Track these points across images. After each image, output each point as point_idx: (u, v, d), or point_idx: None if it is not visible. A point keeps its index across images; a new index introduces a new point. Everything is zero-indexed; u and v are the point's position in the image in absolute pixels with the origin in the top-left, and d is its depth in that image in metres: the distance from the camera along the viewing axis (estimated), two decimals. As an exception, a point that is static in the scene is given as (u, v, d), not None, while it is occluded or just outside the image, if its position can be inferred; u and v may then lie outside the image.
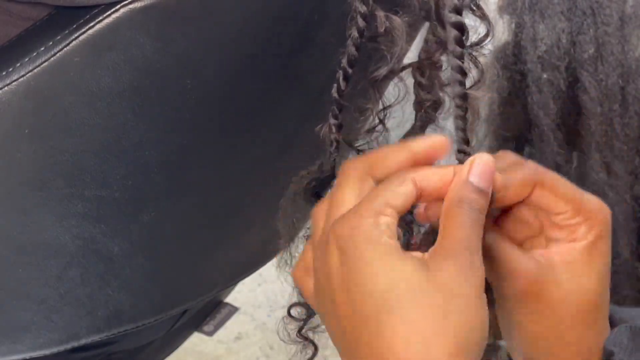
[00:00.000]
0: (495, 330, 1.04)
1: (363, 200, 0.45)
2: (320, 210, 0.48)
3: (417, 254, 0.44)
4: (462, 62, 0.46)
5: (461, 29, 0.46)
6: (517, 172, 0.47)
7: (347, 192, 0.46)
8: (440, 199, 0.46)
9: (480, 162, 0.46)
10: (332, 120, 0.52)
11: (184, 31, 0.54)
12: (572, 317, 0.48)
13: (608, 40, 0.79)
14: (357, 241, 0.43)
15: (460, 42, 0.46)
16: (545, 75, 0.81)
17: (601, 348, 0.49)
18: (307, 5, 0.59)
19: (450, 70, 0.47)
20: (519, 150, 0.86)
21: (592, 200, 0.49)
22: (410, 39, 0.50)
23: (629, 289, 0.83)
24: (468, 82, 0.49)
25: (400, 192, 0.45)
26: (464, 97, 0.47)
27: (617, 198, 0.80)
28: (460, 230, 0.44)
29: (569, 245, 0.48)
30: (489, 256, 0.47)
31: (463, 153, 0.48)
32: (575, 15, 0.80)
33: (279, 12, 0.57)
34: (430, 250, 0.44)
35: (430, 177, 0.46)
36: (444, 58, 0.50)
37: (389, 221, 0.44)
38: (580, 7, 0.79)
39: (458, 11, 0.46)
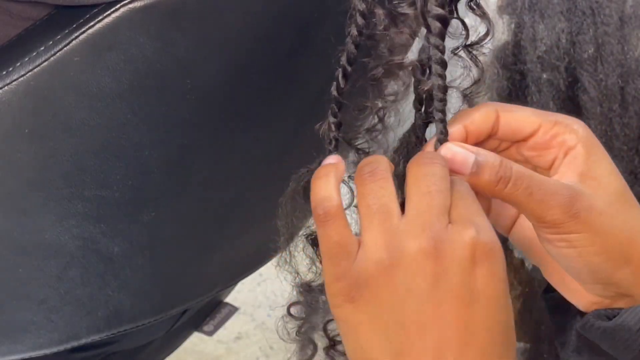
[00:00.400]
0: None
1: (473, 207, 0.45)
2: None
3: None
4: (443, 55, 0.47)
5: (444, 21, 0.47)
6: (477, 109, 0.50)
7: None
8: None
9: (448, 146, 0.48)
10: (331, 119, 0.52)
11: (184, 31, 0.54)
12: (615, 208, 0.48)
13: (608, 40, 0.79)
14: (499, 257, 0.44)
15: (441, 35, 0.47)
16: (544, 76, 0.81)
17: None
18: (307, 4, 0.59)
19: (432, 64, 0.47)
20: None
21: (558, 114, 0.51)
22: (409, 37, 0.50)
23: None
24: (469, 81, 0.49)
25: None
26: (444, 89, 0.48)
27: (616, 198, 0.80)
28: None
29: (567, 160, 0.49)
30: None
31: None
32: (575, 15, 0.80)
33: (278, 11, 0.57)
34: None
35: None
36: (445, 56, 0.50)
37: None
38: (580, 7, 0.79)
39: (442, 5, 0.47)
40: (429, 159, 0.46)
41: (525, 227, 0.52)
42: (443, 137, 0.49)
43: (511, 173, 0.47)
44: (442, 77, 0.48)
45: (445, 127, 0.49)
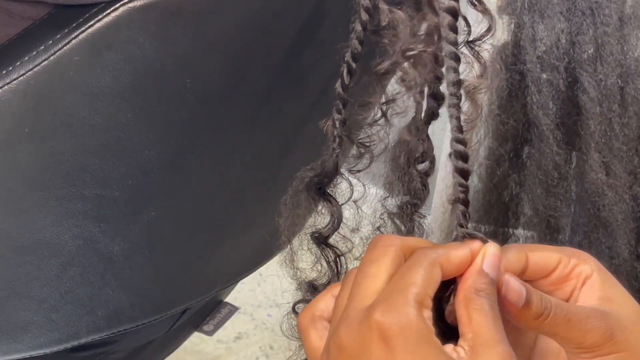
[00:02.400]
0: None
1: (401, 285, 0.44)
2: (348, 281, 0.46)
3: (458, 351, 0.44)
4: (457, 49, 0.47)
5: (454, 14, 0.46)
6: (511, 249, 0.50)
7: (382, 269, 0.45)
8: (450, 278, 0.47)
9: (491, 254, 0.47)
10: (336, 116, 0.53)
11: (183, 31, 0.54)
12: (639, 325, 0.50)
13: (607, 40, 0.79)
14: (409, 340, 0.42)
15: (453, 28, 0.46)
16: (544, 76, 0.81)
17: None
18: (307, 3, 0.59)
19: (444, 58, 0.47)
20: (518, 150, 0.86)
21: (569, 248, 0.53)
22: (413, 32, 0.50)
23: (628, 289, 0.83)
24: (470, 77, 0.49)
25: (434, 279, 0.45)
26: (459, 84, 0.47)
27: (616, 198, 0.80)
28: (489, 319, 0.45)
29: (585, 288, 0.51)
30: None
31: (459, 142, 0.48)
32: (575, 15, 0.80)
33: (278, 9, 0.57)
34: (465, 344, 0.44)
35: (451, 260, 0.46)
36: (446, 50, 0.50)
37: (429, 314, 0.44)
38: (580, 7, 0.79)
39: None
40: (368, 248, 0.47)
41: (549, 347, 0.53)
42: (458, 134, 0.48)
43: (551, 304, 0.48)
44: (456, 71, 0.47)
45: (460, 124, 0.48)
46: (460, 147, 0.48)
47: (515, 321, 0.49)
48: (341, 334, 0.43)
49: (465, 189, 0.49)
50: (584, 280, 0.51)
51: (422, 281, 0.44)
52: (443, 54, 0.47)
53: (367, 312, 0.43)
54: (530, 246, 0.52)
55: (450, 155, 0.48)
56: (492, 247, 0.48)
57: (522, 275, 0.51)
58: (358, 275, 0.45)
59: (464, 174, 0.49)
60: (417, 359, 0.42)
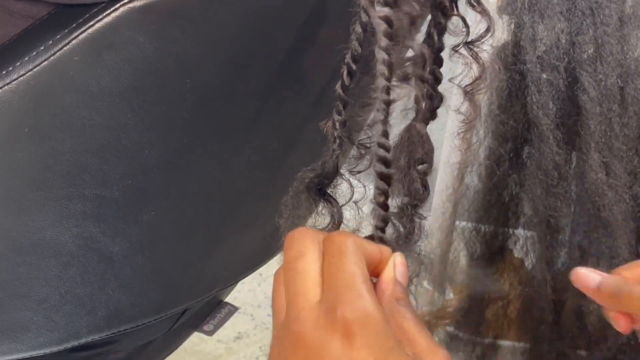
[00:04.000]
0: (495, 330, 1.04)
1: (345, 277, 0.43)
2: (279, 281, 0.46)
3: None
4: (390, 56, 0.47)
5: (389, 22, 0.47)
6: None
7: (310, 262, 0.45)
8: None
9: (400, 263, 0.48)
10: (336, 117, 0.53)
11: (183, 30, 0.54)
12: None
13: (607, 40, 0.79)
14: (371, 333, 0.42)
15: (388, 35, 0.47)
16: (544, 76, 0.81)
17: None
18: (307, 4, 0.59)
19: (377, 64, 0.47)
20: (518, 150, 0.86)
21: None
22: (413, 32, 0.50)
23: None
24: (469, 78, 0.49)
25: (365, 267, 0.45)
26: (387, 91, 0.48)
27: (616, 198, 0.80)
28: (419, 326, 0.45)
29: None
30: None
31: (382, 147, 0.48)
32: (575, 15, 0.80)
33: (278, 10, 0.57)
34: (408, 350, 0.44)
35: (367, 252, 0.46)
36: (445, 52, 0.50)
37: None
38: (580, 7, 0.79)
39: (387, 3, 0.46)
40: (287, 245, 0.46)
41: None
42: (382, 139, 0.49)
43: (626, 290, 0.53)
44: (387, 79, 0.47)
45: (385, 128, 0.48)
46: (382, 152, 0.48)
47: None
48: (296, 331, 0.43)
49: (385, 194, 0.49)
50: None
51: (361, 270, 0.44)
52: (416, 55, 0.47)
53: (326, 309, 0.42)
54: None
55: (373, 159, 0.48)
56: (399, 257, 0.48)
57: None
58: (288, 273, 0.45)
59: (385, 178, 0.49)
60: (378, 352, 0.41)
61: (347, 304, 0.42)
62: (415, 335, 0.44)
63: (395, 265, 0.47)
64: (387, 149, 0.48)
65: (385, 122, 0.48)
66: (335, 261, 0.44)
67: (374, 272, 0.47)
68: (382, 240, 0.49)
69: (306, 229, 0.47)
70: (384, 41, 0.47)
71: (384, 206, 0.49)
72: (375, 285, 0.46)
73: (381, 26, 0.46)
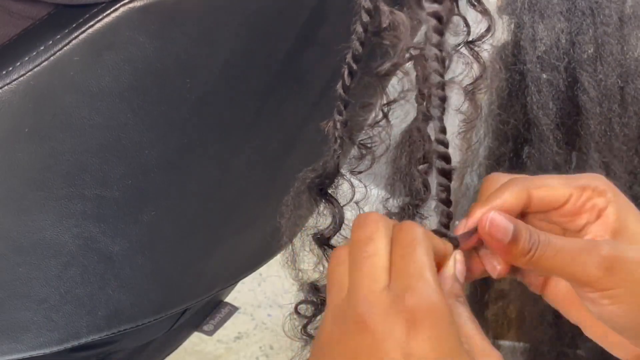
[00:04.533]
0: (495, 330, 1.05)
1: (416, 267, 0.43)
2: (342, 260, 0.46)
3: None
4: (441, 52, 0.47)
5: (439, 17, 0.47)
6: (510, 189, 0.50)
7: (380, 246, 0.45)
8: None
9: (460, 260, 0.48)
10: (337, 117, 0.53)
11: (183, 30, 0.54)
12: None
13: (607, 40, 0.79)
14: (434, 324, 0.41)
15: (439, 31, 0.47)
16: (544, 76, 0.81)
17: None
18: (308, 4, 0.59)
19: (428, 60, 0.47)
20: (518, 150, 0.86)
21: (584, 176, 0.51)
22: (414, 32, 0.50)
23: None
24: (469, 78, 0.49)
25: (433, 259, 0.45)
26: (442, 86, 0.48)
27: (616, 198, 0.80)
28: (475, 329, 0.45)
29: (599, 221, 0.50)
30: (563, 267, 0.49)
31: (442, 144, 0.49)
32: (575, 15, 0.80)
33: (279, 10, 0.57)
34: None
35: (436, 248, 0.46)
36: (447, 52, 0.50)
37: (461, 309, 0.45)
38: (580, 7, 0.79)
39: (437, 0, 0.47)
40: (357, 226, 0.46)
41: (558, 287, 0.53)
42: (441, 135, 0.49)
43: (539, 239, 0.48)
44: (441, 75, 0.48)
45: (442, 125, 0.49)
46: (442, 149, 0.48)
47: (504, 259, 0.49)
48: (361, 313, 0.42)
49: (447, 190, 0.49)
50: (598, 213, 0.50)
51: (430, 262, 0.44)
52: (434, 55, 0.47)
53: (394, 296, 0.42)
54: (537, 181, 0.51)
55: (432, 155, 0.48)
56: (460, 255, 0.48)
57: (525, 211, 0.51)
58: (357, 254, 0.45)
59: (446, 174, 0.49)
60: (441, 345, 0.41)
61: (416, 293, 0.42)
62: (471, 334, 0.44)
63: (456, 262, 0.47)
64: (446, 145, 0.48)
65: (441, 118, 0.48)
66: (406, 250, 0.44)
67: (436, 267, 0.46)
68: (445, 236, 0.49)
69: (378, 214, 0.47)
70: (435, 37, 0.47)
71: (447, 202, 0.49)
72: None
73: (431, 22, 0.47)
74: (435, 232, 0.49)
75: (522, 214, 0.51)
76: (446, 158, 0.48)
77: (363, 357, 0.42)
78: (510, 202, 0.50)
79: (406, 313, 0.41)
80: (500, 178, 0.52)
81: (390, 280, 0.43)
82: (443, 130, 0.48)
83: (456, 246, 0.49)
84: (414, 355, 0.41)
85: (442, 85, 0.48)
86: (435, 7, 0.47)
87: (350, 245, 0.46)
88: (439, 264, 0.47)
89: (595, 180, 0.51)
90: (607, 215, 0.50)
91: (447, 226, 0.50)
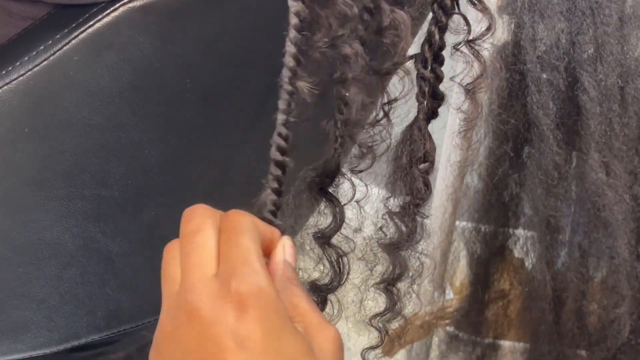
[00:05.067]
0: (495, 330, 1.04)
1: (240, 253, 0.45)
2: (173, 254, 0.47)
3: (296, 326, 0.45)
4: (297, 50, 0.48)
5: (298, 16, 0.48)
6: None
7: (208, 236, 0.46)
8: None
9: (289, 245, 0.50)
10: (337, 116, 0.53)
11: (183, 30, 0.54)
12: None
13: (607, 40, 0.79)
14: (263, 306, 0.43)
15: (297, 29, 0.48)
16: (544, 75, 0.81)
17: None
18: (307, 4, 0.59)
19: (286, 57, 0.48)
20: (518, 150, 0.86)
21: None
22: (414, 31, 0.50)
23: (628, 289, 0.83)
24: (470, 77, 0.49)
25: (259, 244, 0.47)
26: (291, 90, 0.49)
27: (616, 198, 0.80)
28: (311, 304, 0.47)
29: None
30: None
31: (280, 136, 0.51)
32: (575, 15, 0.80)
33: (279, 10, 0.57)
34: (298, 326, 0.45)
35: (261, 231, 0.48)
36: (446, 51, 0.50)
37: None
38: (580, 7, 0.80)
39: None
40: (185, 220, 0.48)
41: None
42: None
43: None
44: (293, 73, 0.49)
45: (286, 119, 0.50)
46: (281, 142, 0.50)
47: None
48: (191, 301, 0.43)
49: (279, 181, 0.51)
50: None
51: (255, 247, 0.45)
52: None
53: (221, 282, 0.43)
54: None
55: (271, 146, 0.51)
56: (288, 240, 0.50)
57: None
58: (186, 245, 0.46)
59: (280, 165, 0.51)
60: (269, 325, 0.42)
61: (242, 278, 0.43)
62: (306, 311, 0.46)
63: (285, 247, 0.49)
64: (285, 140, 0.51)
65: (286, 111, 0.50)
66: (231, 237, 0.45)
67: (265, 252, 0.48)
68: (271, 223, 0.51)
69: (204, 206, 0.48)
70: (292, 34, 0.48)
71: (278, 193, 0.52)
72: (267, 266, 0.47)
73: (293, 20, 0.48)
74: (264, 219, 0.50)
75: None
76: (281, 149, 0.50)
77: (194, 345, 0.42)
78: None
79: (233, 297, 0.43)
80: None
81: (218, 268, 0.44)
82: (284, 123, 0.50)
83: (282, 232, 0.50)
84: (242, 337, 0.42)
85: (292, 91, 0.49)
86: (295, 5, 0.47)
87: (180, 239, 0.47)
88: (269, 248, 0.49)
89: None
90: None
91: (274, 214, 0.51)
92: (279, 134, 0.50)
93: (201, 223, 0.46)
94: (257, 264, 0.44)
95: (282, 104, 0.49)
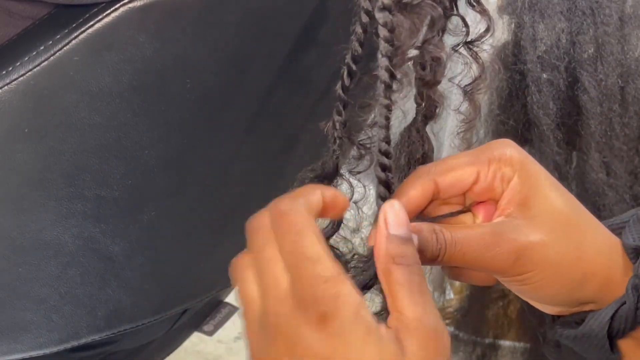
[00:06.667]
0: (495, 330, 1.04)
1: (318, 264, 0.41)
2: (246, 273, 0.45)
3: (388, 332, 0.42)
4: (391, 64, 0.46)
5: (386, 26, 0.46)
6: (413, 184, 0.49)
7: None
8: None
9: (392, 211, 0.45)
10: (336, 117, 0.53)
11: (183, 31, 0.54)
12: (556, 234, 0.48)
13: (608, 40, 0.79)
14: (341, 318, 0.40)
15: (388, 40, 0.46)
16: (545, 75, 0.81)
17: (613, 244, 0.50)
18: (308, 4, 0.59)
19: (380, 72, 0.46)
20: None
21: (490, 146, 0.50)
22: (413, 34, 0.50)
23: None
24: (468, 78, 0.49)
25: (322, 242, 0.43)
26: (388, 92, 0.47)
27: (616, 198, 0.80)
28: (411, 294, 0.42)
29: (507, 193, 0.49)
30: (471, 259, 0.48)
31: (385, 155, 0.48)
32: (575, 15, 0.80)
33: (279, 10, 0.57)
34: (392, 325, 0.42)
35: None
36: (445, 52, 0.50)
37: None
38: (580, 7, 0.79)
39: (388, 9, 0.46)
40: (250, 232, 0.45)
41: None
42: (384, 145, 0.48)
43: (445, 243, 0.47)
44: (389, 87, 0.47)
45: (388, 135, 0.48)
46: (383, 159, 0.47)
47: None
48: (272, 323, 0.42)
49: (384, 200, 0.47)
50: (507, 182, 0.49)
51: (317, 249, 0.42)
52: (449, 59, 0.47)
53: (298, 299, 0.41)
54: (442, 166, 0.49)
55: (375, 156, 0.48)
56: (389, 206, 0.45)
57: (435, 200, 0.50)
58: (258, 263, 0.44)
59: (385, 184, 0.48)
60: (351, 339, 0.40)
61: (314, 291, 0.41)
62: (404, 306, 0.42)
63: (386, 217, 0.45)
64: (388, 157, 0.48)
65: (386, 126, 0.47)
66: (292, 247, 0.42)
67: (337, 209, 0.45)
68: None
69: (266, 213, 0.45)
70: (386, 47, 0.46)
71: (387, 184, 0.48)
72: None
73: (382, 32, 0.46)
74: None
75: (436, 201, 0.50)
76: (383, 166, 0.47)
77: None
78: (415, 197, 0.48)
79: (310, 313, 0.41)
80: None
81: (291, 282, 0.42)
82: (385, 139, 0.47)
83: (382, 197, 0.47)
84: (323, 355, 0.40)
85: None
86: (387, 16, 0.46)
87: (250, 256, 0.45)
88: (339, 207, 0.45)
89: (501, 148, 0.49)
90: (514, 186, 0.48)
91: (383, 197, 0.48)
92: (381, 151, 0.47)
93: (266, 235, 0.44)
94: (325, 267, 0.41)
95: (380, 119, 0.47)
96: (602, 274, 0.49)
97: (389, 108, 0.47)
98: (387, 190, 0.47)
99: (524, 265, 0.47)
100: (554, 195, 0.49)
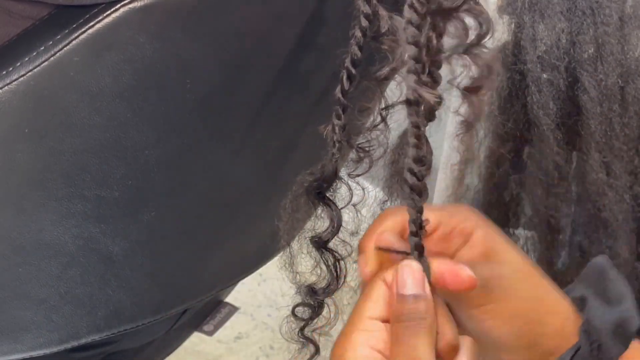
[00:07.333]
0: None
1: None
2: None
3: None
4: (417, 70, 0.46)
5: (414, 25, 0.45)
6: (387, 215, 0.53)
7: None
8: None
9: (404, 270, 0.47)
10: (335, 121, 0.53)
11: (183, 31, 0.54)
12: (519, 276, 0.52)
13: (608, 40, 0.79)
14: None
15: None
16: (545, 75, 0.81)
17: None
18: (308, 5, 0.59)
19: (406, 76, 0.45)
20: (518, 150, 0.86)
21: (452, 206, 0.56)
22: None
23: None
24: (468, 79, 0.49)
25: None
26: (417, 104, 0.46)
27: (616, 198, 0.80)
28: (416, 351, 0.45)
29: (469, 244, 0.53)
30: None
31: (420, 162, 0.47)
32: (575, 15, 0.80)
33: (279, 11, 0.57)
34: None
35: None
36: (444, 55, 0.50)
37: None
38: (580, 7, 0.79)
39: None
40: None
41: None
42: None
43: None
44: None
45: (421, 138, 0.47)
46: (414, 166, 0.47)
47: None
48: None
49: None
50: (465, 237, 0.52)
51: (429, 351, 0.45)
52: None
53: None
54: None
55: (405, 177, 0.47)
56: (405, 264, 0.48)
57: (401, 236, 0.52)
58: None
59: (417, 191, 0.48)
60: None
61: None
62: None
63: (399, 274, 0.47)
64: (420, 179, 0.48)
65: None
66: (404, 339, 0.45)
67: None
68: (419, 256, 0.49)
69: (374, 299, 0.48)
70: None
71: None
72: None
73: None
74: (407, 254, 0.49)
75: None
76: (414, 173, 0.47)
77: None
78: (388, 228, 0.52)
79: None
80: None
81: None
82: (417, 145, 0.47)
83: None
84: None
85: (418, 103, 0.46)
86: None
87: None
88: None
89: (462, 208, 0.54)
90: (474, 240, 0.52)
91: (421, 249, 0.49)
92: (412, 172, 0.47)
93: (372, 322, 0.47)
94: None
95: (411, 139, 0.46)
96: (562, 315, 0.53)
97: (418, 127, 0.46)
98: (420, 196, 0.47)
99: (492, 292, 0.50)
100: (516, 249, 0.53)
